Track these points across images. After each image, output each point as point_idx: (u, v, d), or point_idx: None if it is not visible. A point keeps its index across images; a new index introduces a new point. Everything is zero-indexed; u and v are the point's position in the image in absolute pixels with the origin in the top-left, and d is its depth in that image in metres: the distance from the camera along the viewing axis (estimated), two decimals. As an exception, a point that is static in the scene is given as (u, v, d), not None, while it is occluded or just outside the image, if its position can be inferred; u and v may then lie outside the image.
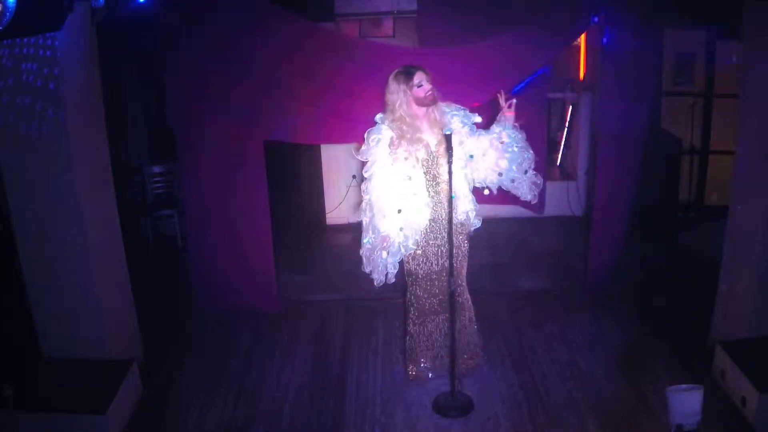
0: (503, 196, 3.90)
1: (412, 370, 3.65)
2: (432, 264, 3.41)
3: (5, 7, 2.39)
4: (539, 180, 3.44)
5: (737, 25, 3.41)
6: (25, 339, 3.55)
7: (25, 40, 3.04)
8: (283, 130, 4.17)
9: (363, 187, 3.28)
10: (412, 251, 3.31)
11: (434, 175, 3.27)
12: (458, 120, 3.32)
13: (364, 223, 3.28)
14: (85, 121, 3.36)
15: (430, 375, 3.63)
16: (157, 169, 5.86)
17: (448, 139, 3.04)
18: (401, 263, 3.35)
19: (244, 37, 3.91)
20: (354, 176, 6.30)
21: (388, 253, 3.23)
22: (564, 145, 6.79)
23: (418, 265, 3.40)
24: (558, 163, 6.87)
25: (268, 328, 4.33)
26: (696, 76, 6.03)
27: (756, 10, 3.25)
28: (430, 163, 3.26)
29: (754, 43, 3.35)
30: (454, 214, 3.24)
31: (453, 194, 3.15)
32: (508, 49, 4.01)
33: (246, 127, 4.10)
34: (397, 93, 3.16)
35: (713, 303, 3.71)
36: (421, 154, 3.23)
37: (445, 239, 3.31)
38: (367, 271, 3.30)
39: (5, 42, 3.01)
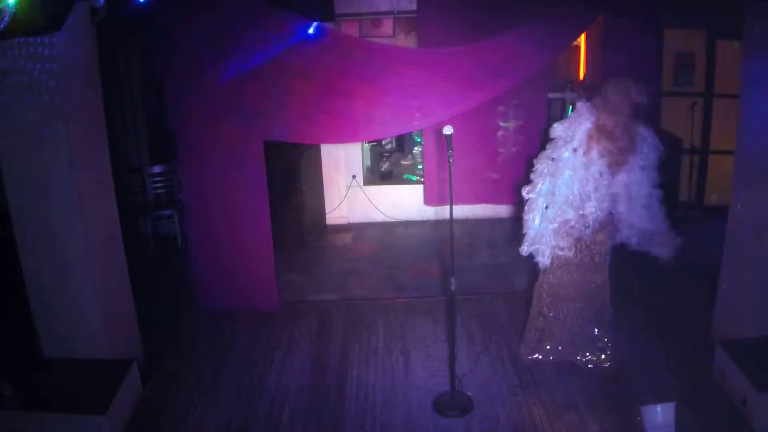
0: (500, 195, 3.90)
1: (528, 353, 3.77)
2: (570, 256, 3.51)
3: (5, 7, 2.39)
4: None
5: (737, 25, 3.41)
6: (25, 339, 3.55)
7: (26, 39, 3.03)
8: (283, 130, 4.17)
9: (540, 167, 3.40)
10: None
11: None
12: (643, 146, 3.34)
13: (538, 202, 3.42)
14: (85, 121, 3.36)
15: (551, 358, 3.72)
16: (157, 169, 5.85)
17: (448, 139, 3.05)
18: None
19: (244, 37, 3.91)
20: (354, 176, 6.30)
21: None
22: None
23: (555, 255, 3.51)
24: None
25: (268, 328, 4.33)
26: (696, 76, 6.04)
27: (756, 10, 3.25)
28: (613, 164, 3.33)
29: (754, 43, 3.35)
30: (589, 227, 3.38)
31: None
32: (508, 49, 4.01)
33: (246, 127, 4.11)
34: (624, 83, 3.24)
35: (713, 303, 3.70)
36: (613, 154, 3.30)
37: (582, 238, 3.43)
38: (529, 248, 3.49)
39: (5, 42, 3.01)
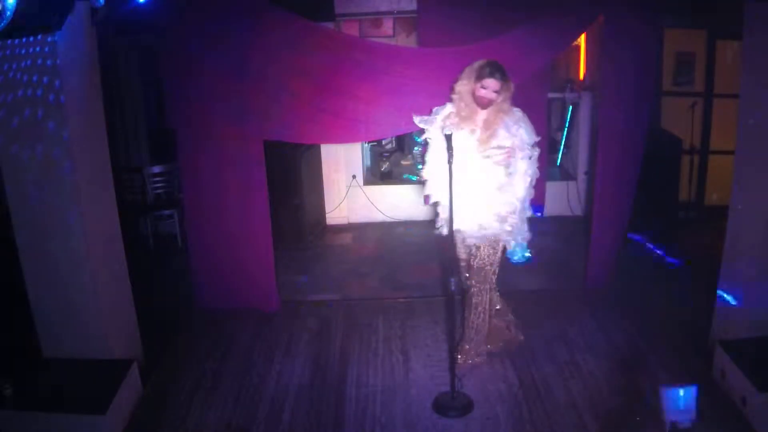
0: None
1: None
2: (460, 251, 3.65)
3: (5, 7, 2.39)
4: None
5: (737, 25, 3.41)
6: (25, 339, 3.55)
7: (26, 39, 3.04)
8: (283, 130, 4.17)
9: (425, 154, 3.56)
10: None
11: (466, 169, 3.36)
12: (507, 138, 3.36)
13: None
14: (85, 121, 3.36)
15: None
16: (157, 169, 5.86)
17: (447, 139, 3.05)
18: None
19: (244, 37, 3.91)
20: (354, 176, 6.31)
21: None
22: (564, 145, 6.79)
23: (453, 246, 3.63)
24: (558, 163, 6.87)
25: (268, 328, 4.33)
26: (696, 76, 6.04)
27: (756, 10, 3.25)
28: (466, 155, 3.35)
29: (754, 43, 3.35)
30: (474, 220, 3.40)
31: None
32: (508, 49, 4.01)
33: (246, 127, 4.11)
34: (467, 78, 3.34)
35: (713, 303, 3.71)
36: (469, 141, 3.34)
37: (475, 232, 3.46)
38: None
39: (5, 41, 3.01)
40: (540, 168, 3.56)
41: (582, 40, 6.35)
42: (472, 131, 3.37)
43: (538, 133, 3.42)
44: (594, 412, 3.30)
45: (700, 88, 6.04)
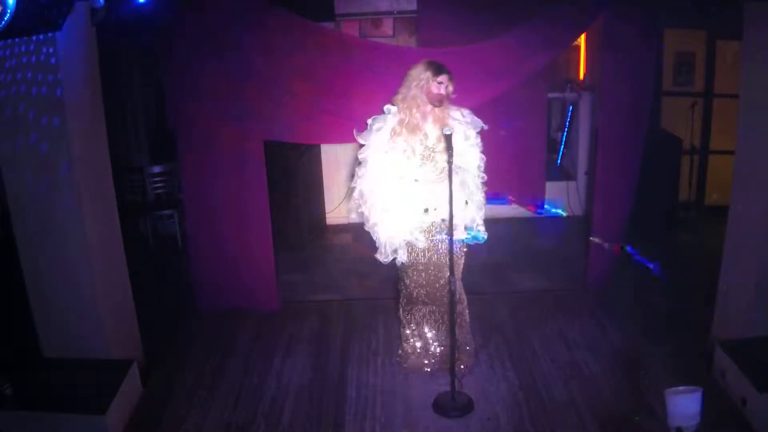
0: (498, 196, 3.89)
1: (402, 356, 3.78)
2: (418, 255, 3.52)
3: (5, 6, 2.39)
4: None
5: (737, 25, 3.41)
6: (25, 339, 3.55)
7: (26, 38, 3.03)
8: (283, 130, 4.17)
9: (356, 170, 3.46)
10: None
11: (429, 171, 3.35)
12: (461, 127, 3.37)
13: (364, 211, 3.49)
14: (85, 121, 3.36)
15: (425, 363, 3.73)
16: (157, 169, 5.86)
17: (447, 138, 3.05)
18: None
19: (244, 37, 3.91)
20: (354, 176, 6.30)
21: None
22: (564, 145, 6.79)
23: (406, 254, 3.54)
24: (558, 163, 6.87)
25: (268, 328, 4.33)
26: (696, 76, 6.04)
27: (756, 10, 3.25)
28: (426, 158, 3.34)
29: (754, 43, 3.35)
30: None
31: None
32: (508, 50, 4.01)
33: (246, 127, 4.11)
34: (421, 75, 3.31)
35: (713, 303, 3.71)
36: (419, 148, 3.33)
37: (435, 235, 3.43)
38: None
39: (5, 41, 3.01)
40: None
41: (582, 40, 6.35)
42: (423, 138, 3.34)
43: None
44: (594, 412, 3.30)
45: (700, 88, 6.05)
